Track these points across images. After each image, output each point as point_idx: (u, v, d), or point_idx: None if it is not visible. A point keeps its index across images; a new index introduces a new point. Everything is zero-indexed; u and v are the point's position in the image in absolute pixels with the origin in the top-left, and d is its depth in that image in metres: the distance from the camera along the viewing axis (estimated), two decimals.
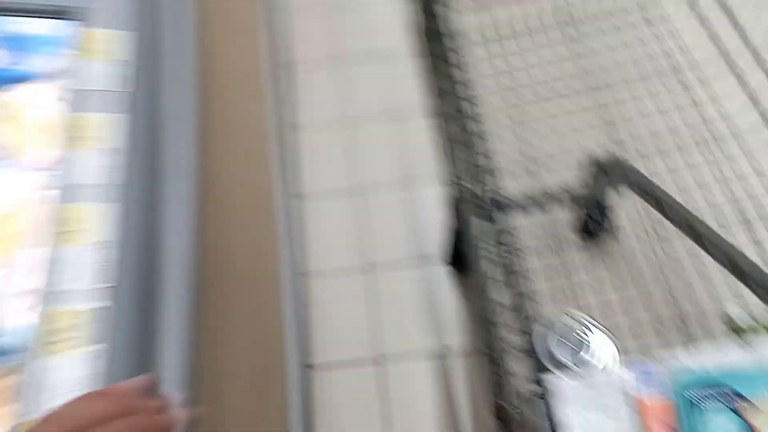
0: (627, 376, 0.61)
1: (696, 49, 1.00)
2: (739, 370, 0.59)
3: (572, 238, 1.01)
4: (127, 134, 0.68)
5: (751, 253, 0.87)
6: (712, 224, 0.91)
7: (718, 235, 0.84)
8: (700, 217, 0.91)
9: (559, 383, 0.62)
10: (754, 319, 0.80)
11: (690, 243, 0.87)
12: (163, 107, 0.72)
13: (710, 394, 0.58)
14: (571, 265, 0.95)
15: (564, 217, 1.01)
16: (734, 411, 0.57)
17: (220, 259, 0.81)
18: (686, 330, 0.77)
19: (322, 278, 1.23)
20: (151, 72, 0.74)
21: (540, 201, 1.00)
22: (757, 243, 0.87)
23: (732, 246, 0.82)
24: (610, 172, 0.99)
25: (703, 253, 0.88)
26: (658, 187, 0.93)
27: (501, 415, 0.68)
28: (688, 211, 0.89)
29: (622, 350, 0.71)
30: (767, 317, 0.80)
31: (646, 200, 0.97)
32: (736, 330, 0.80)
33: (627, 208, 1.03)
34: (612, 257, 1.02)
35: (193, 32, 0.79)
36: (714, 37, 0.97)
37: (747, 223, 0.90)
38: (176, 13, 0.79)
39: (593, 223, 1.11)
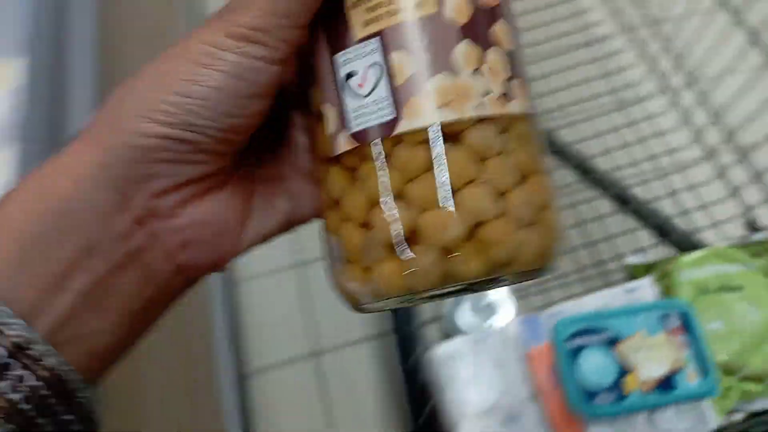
0: (519, 331, 0.65)
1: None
2: (617, 313, 0.63)
3: None
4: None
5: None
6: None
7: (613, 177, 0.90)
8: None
9: (457, 344, 0.65)
10: (649, 264, 0.85)
11: (594, 205, 0.92)
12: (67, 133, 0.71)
13: (588, 338, 0.61)
14: None
15: None
16: (609, 350, 0.61)
17: None
18: (588, 283, 0.81)
19: (254, 280, 1.25)
20: (51, 98, 0.73)
21: None
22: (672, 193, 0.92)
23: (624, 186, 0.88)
24: None
25: (606, 214, 0.93)
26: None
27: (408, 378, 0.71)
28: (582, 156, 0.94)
29: (522, 308, 0.75)
30: (661, 260, 0.85)
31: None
32: (634, 277, 0.85)
33: None
34: None
35: (98, 52, 0.76)
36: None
37: (663, 177, 0.95)
38: (80, 35, 0.76)
39: None
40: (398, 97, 0.23)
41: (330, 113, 0.25)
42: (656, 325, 0.61)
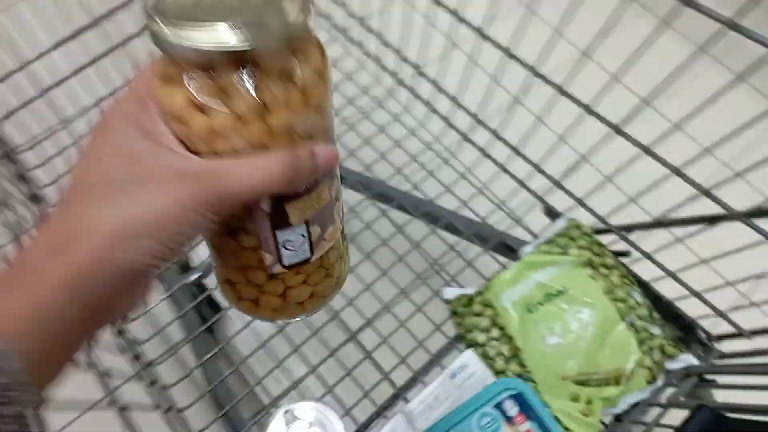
0: None
1: None
2: (453, 422, 0.52)
3: None
4: None
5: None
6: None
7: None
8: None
9: None
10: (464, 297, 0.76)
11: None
12: None
13: None
14: None
15: None
16: None
17: None
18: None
19: None
20: None
21: None
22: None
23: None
24: None
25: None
26: None
27: None
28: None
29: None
30: (479, 291, 0.76)
31: None
32: (455, 313, 0.76)
33: None
34: None
35: None
36: None
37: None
38: None
39: None
40: (312, 247, 0.39)
41: (268, 256, 0.38)
42: (496, 421, 0.52)
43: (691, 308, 0.71)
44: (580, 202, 0.77)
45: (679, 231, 0.67)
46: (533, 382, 0.69)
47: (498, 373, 0.70)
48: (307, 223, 0.36)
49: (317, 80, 0.32)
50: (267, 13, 0.29)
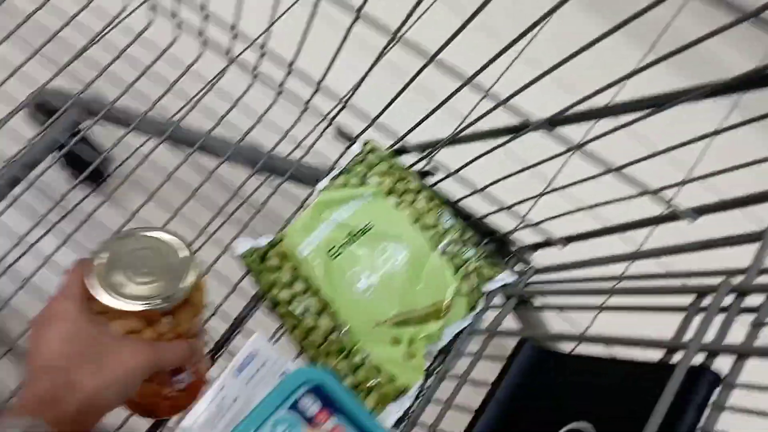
0: None
1: None
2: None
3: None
4: None
5: None
6: None
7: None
8: None
9: None
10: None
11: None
12: None
13: None
14: None
15: None
16: None
17: None
18: None
19: None
20: None
21: None
22: None
23: None
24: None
25: None
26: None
27: None
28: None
29: None
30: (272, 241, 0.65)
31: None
32: (251, 270, 0.65)
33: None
34: None
35: None
36: None
37: None
38: None
39: None
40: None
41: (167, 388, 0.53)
42: (294, 427, 0.42)
43: (506, 225, 0.66)
44: (373, 121, 0.67)
45: (482, 145, 0.60)
46: (348, 334, 0.62)
47: (308, 333, 0.62)
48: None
49: (199, 308, 0.50)
50: (177, 285, 0.46)
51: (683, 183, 0.49)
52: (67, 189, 0.67)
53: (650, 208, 0.53)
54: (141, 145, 0.71)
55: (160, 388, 0.52)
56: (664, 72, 0.50)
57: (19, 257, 0.64)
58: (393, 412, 0.61)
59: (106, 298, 0.44)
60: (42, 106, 0.77)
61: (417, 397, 0.62)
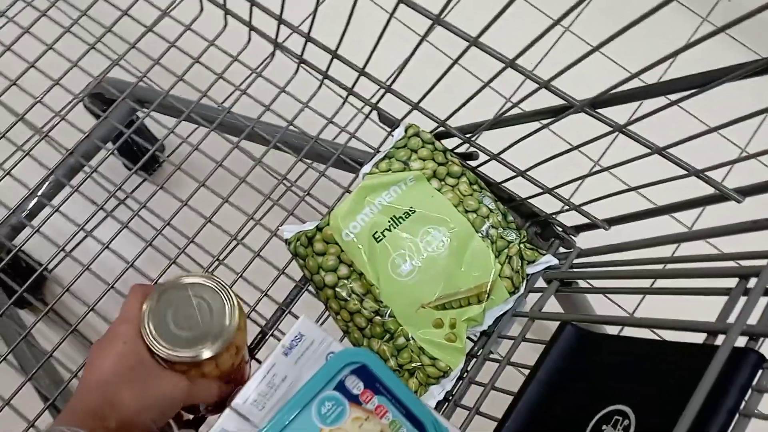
0: None
1: None
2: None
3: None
4: None
5: None
6: None
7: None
8: None
9: None
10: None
11: None
12: None
13: None
14: None
15: None
16: None
17: None
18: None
19: None
20: None
21: None
22: None
23: None
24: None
25: None
26: None
27: None
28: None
29: None
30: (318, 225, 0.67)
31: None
32: (296, 255, 0.67)
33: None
34: None
35: None
36: None
37: None
38: None
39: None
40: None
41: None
42: (340, 404, 0.44)
43: (549, 208, 0.66)
44: (415, 106, 0.67)
45: (523, 128, 0.60)
46: (392, 317, 0.63)
47: (352, 316, 0.63)
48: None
49: (242, 348, 0.54)
50: (220, 336, 0.50)
51: (735, 161, 0.48)
52: (123, 178, 0.70)
53: (695, 190, 0.52)
54: (191, 134, 0.73)
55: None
56: (717, 46, 0.48)
57: (78, 244, 0.68)
58: (435, 394, 0.62)
59: (156, 347, 0.48)
60: (98, 97, 0.80)
61: (459, 379, 0.63)
